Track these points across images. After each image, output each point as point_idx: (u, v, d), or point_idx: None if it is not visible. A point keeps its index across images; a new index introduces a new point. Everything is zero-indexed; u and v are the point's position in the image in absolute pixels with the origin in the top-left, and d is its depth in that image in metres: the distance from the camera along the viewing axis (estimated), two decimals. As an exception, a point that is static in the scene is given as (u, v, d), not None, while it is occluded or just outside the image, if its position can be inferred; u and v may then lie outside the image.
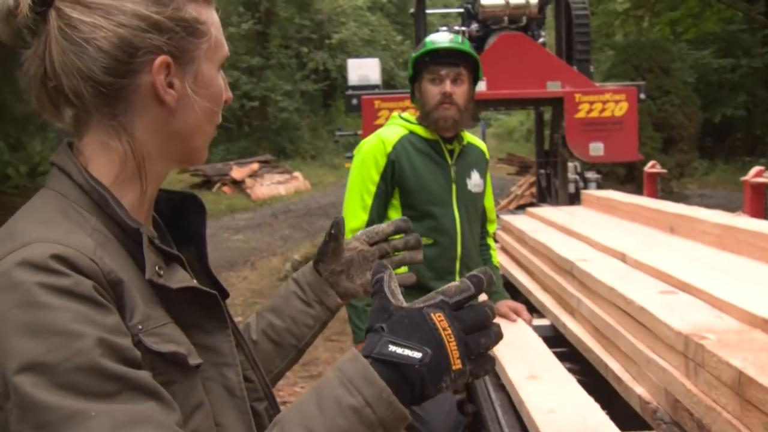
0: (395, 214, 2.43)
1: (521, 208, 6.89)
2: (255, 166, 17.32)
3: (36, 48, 0.83)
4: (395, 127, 2.49)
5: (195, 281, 0.89)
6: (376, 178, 2.39)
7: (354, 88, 6.21)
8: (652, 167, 5.65)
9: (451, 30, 6.42)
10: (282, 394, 4.43)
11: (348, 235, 2.44)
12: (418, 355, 0.74)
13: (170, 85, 0.85)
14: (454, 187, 2.45)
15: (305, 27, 23.38)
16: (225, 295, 0.99)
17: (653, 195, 5.33)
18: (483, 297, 2.69)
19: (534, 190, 8.10)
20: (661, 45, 11.86)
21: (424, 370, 0.74)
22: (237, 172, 16.42)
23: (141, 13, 0.82)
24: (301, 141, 23.78)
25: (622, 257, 2.40)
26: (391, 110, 5.03)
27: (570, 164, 6.07)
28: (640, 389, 1.75)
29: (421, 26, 6.64)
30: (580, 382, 1.91)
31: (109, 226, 0.83)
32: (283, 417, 0.78)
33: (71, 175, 0.84)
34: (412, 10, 7.28)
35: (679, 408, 1.54)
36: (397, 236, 1.21)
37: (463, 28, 6.74)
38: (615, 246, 2.52)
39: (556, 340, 2.41)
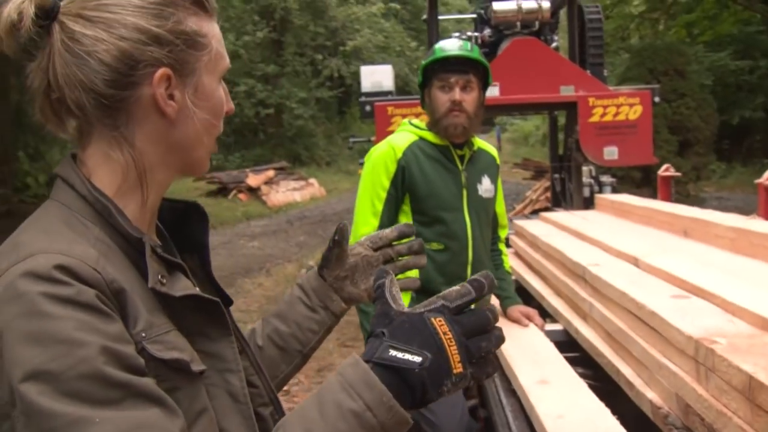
0: (406, 220, 2.43)
1: (537, 212, 6.86)
2: (270, 173, 17.40)
3: (40, 60, 0.85)
4: (405, 133, 2.50)
5: (197, 289, 0.90)
6: (387, 184, 2.40)
7: (367, 94, 6.22)
8: (665, 170, 5.61)
9: (461, 36, 6.43)
10: (297, 400, 4.44)
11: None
12: (418, 359, 0.75)
13: (171, 97, 0.87)
14: (464, 192, 2.46)
15: (320, 34, 23.51)
16: (228, 302, 1.01)
17: (667, 198, 5.29)
18: (495, 301, 2.69)
19: (549, 194, 8.07)
20: (677, 47, 11.78)
21: (424, 374, 0.75)
22: (253, 179, 16.51)
23: (142, 27, 0.84)
24: (317, 148, 23.87)
25: (635, 261, 2.39)
26: (404, 116, 5.04)
27: (585, 168, 6.04)
28: (651, 394, 1.74)
29: (434, 32, 6.64)
30: (592, 387, 1.90)
31: (112, 236, 0.84)
32: (286, 421, 0.79)
33: (74, 186, 0.86)
34: (424, 17, 7.29)
35: (690, 413, 1.53)
36: (402, 241, 1.21)
37: (476, 34, 6.75)
38: (628, 250, 2.51)
39: (569, 344, 2.39)
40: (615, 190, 6.10)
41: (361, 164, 2.67)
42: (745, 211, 4.90)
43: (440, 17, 7.95)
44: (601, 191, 5.97)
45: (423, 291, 2.39)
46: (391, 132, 2.64)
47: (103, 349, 0.72)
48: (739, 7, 15.48)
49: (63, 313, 0.72)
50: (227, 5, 21.34)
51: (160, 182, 0.91)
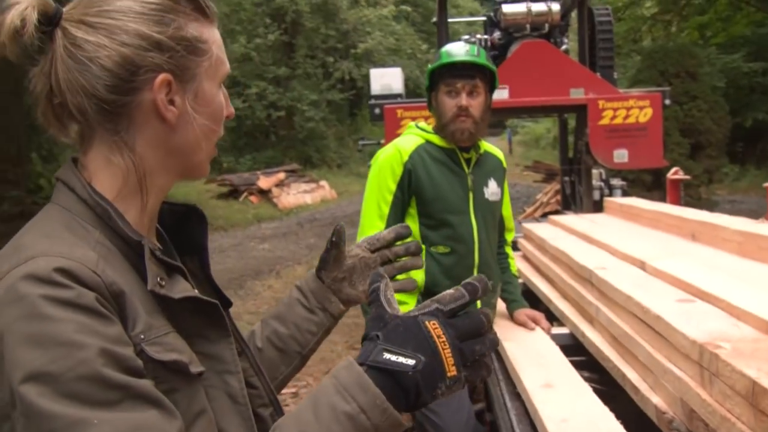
0: (412, 223, 2.44)
1: (546, 215, 6.85)
2: (281, 175, 17.45)
3: (42, 65, 0.87)
4: (412, 136, 2.51)
5: (196, 291, 0.91)
6: (393, 187, 2.41)
7: (377, 97, 6.24)
8: (674, 174, 5.58)
9: (470, 39, 6.43)
10: (305, 403, 4.44)
11: None
12: (412, 362, 0.75)
13: (171, 102, 0.88)
14: (471, 195, 2.46)
15: (331, 37, 23.57)
16: (227, 304, 1.02)
17: (676, 202, 5.26)
18: (501, 305, 2.68)
19: (559, 197, 8.04)
20: (688, 50, 11.71)
21: (418, 377, 0.75)
22: (264, 182, 16.57)
23: (143, 33, 0.85)
24: (328, 150, 23.92)
25: (642, 265, 2.38)
26: (414, 119, 5.04)
27: (595, 171, 6.02)
28: (656, 399, 1.74)
29: (443, 35, 6.64)
30: (598, 391, 1.90)
31: (112, 239, 0.85)
32: (281, 424, 0.80)
33: (75, 189, 0.87)
34: (434, 19, 7.30)
35: (694, 418, 1.52)
36: (399, 243, 1.22)
37: (486, 36, 6.74)
38: (635, 254, 2.50)
39: (575, 348, 2.39)
40: (625, 194, 6.07)
41: (370, 167, 2.68)
42: (758, 214, 4.87)
43: (450, 20, 7.95)
44: (611, 194, 5.94)
45: (429, 294, 2.40)
46: (401, 134, 2.65)
47: (102, 351, 0.73)
48: (752, 9, 15.38)
49: (63, 315, 0.73)
50: (238, 8, 21.45)
51: (160, 186, 0.92)
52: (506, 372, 2.21)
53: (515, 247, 3.80)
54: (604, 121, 5.46)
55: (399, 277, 1.22)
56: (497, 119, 8.81)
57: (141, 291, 0.84)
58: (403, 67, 14.80)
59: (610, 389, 2.02)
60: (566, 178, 6.95)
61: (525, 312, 2.59)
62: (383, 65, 18.91)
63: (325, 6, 23.10)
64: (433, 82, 2.49)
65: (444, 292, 0.82)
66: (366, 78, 6.43)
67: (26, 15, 0.82)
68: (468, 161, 2.49)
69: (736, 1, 15.39)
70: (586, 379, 2.01)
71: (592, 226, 3.52)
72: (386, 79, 6.46)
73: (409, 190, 2.41)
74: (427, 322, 0.78)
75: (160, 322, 0.84)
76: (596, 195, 5.89)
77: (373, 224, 2.43)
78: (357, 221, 2.53)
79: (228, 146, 21.09)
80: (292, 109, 22.51)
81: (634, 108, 5.45)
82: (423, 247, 2.40)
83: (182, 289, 0.88)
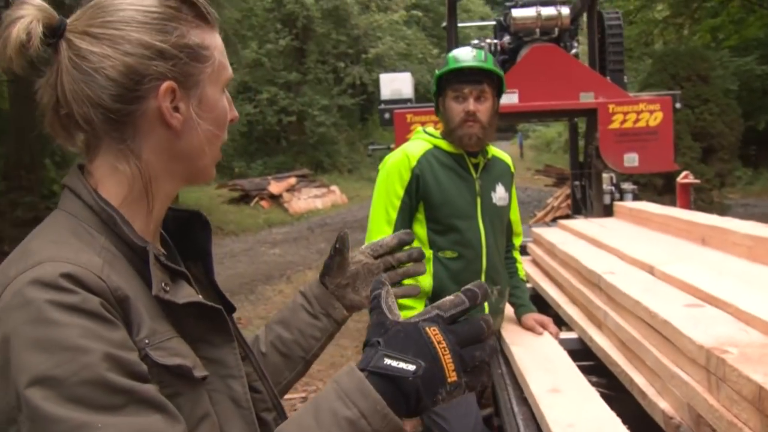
0: (420, 228, 2.44)
1: (557, 220, 6.83)
2: (292, 180, 17.51)
3: (48, 77, 0.88)
4: (419, 141, 2.51)
5: (200, 296, 0.92)
6: (401, 192, 2.41)
7: (387, 102, 6.25)
8: (684, 178, 5.55)
9: (480, 44, 6.43)
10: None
11: None
12: (412, 367, 0.76)
13: (176, 109, 0.89)
14: (478, 200, 2.46)
15: (342, 42, 23.65)
16: (231, 309, 1.03)
17: (686, 206, 5.23)
18: (510, 310, 2.68)
19: (570, 201, 8.02)
20: (699, 53, 11.63)
21: (418, 383, 0.76)
22: (275, 187, 16.62)
23: (146, 42, 0.86)
24: (338, 155, 23.97)
25: (650, 270, 2.37)
26: (423, 124, 5.05)
27: (605, 175, 6.00)
28: (663, 404, 1.73)
29: (453, 39, 6.65)
30: (606, 396, 1.89)
31: (118, 245, 0.87)
32: (282, 428, 0.81)
33: (81, 196, 0.88)
34: (444, 24, 7.31)
35: (701, 423, 1.51)
36: (403, 249, 1.23)
37: (495, 41, 6.75)
38: (643, 258, 2.49)
39: (584, 353, 2.38)
40: (636, 198, 6.04)
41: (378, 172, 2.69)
42: (770, 218, 4.84)
43: (460, 24, 7.96)
44: (622, 198, 5.91)
45: (437, 298, 2.40)
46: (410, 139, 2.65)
47: (107, 355, 0.74)
48: (765, 11, 15.27)
49: (68, 320, 0.74)
50: (250, 14, 21.57)
51: (166, 192, 0.93)
52: (513, 377, 2.21)
53: (524, 251, 3.80)
54: (614, 125, 5.44)
55: (405, 282, 1.23)
56: (507, 124, 8.81)
57: (145, 296, 0.85)
58: (414, 72, 14.81)
59: (618, 394, 2.01)
60: (577, 183, 6.93)
61: (533, 316, 2.59)
62: (394, 70, 18.92)
63: (336, 11, 23.19)
64: (441, 88, 2.49)
65: (444, 299, 0.82)
66: (377, 83, 6.44)
67: (31, 28, 0.84)
68: (476, 166, 2.49)
69: (749, 4, 15.29)
70: (594, 384, 2.01)
71: (601, 230, 3.51)
72: (396, 84, 6.47)
73: (417, 195, 2.42)
74: (427, 328, 0.78)
75: (164, 327, 0.85)
76: (607, 199, 5.87)
77: (381, 229, 2.43)
78: (367, 226, 2.54)
79: (239, 151, 21.20)
80: (303, 114, 22.59)
81: (644, 112, 5.42)
82: (431, 252, 2.42)
83: (186, 294, 0.89)
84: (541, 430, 1.79)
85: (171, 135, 0.90)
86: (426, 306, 2.46)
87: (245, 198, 16.46)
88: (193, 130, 0.91)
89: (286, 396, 1.23)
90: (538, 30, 6.28)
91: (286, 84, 22.69)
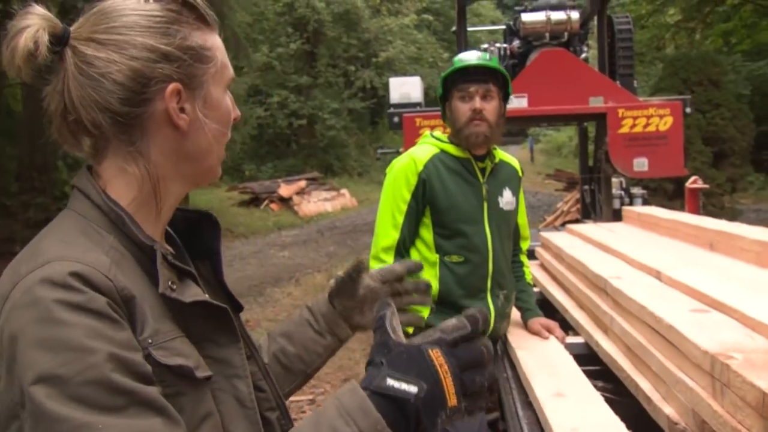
0: (426, 233, 2.45)
1: (566, 224, 6.81)
2: (302, 183, 17.56)
3: (55, 85, 0.90)
4: (426, 146, 2.52)
5: (207, 296, 0.93)
6: (407, 196, 2.42)
7: (396, 106, 6.26)
8: (693, 183, 5.52)
9: (489, 48, 6.44)
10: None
11: (380, 253, 2.48)
12: (414, 389, 0.77)
13: (182, 110, 0.91)
14: (485, 205, 2.46)
15: (352, 46, 23.72)
16: (238, 308, 1.04)
17: (695, 211, 5.20)
18: (516, 314, 2.68)
19: (580, 206, 7.99)
20: (711, 57, 11.58)
21: (419, 404, 0.76)
22: (285, 190, 16.68)
23: (151, 45, 0.88)
24: (348, 158, 24.02)
25: (657, 275, 2.37)
26: (432, 128, 5.05)
27: (615, 180, 5.98)
28: (668, 409, 1.72)
29: (462, 44, 6.66)
30: (611, 401, 1.89)
31: (126, 245, 0.88)
32: None
33: (90, 196, 0.90)
34: (453, 28, 7.32)
35: (706, 429, 1.51)
36: (411, 277, 1.26)
37: (505, 45, 6.74)
38: (651, 263, 2.48)
39: (590, 358, 2.38)
40: (646, 202, 6.02)
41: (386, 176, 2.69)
42: (782, 223, 4.80)
43: (470, 28, 7.96)
44: (631, 203, 5.89)
45: (443, 303, 2.41)
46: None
47: (111, 356, 0.75)
48: (777, 15, 15.18)
49: (74, 319, 0.75)
50: (261, 17, 21.68)
51: (174, 193, 0.95)
52: (518, 381, 2.21)
53: (532, 255, 3.80)
54: (624, 130, 5.42)
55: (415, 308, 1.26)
56: (517, 128, 8.79)
57: (152, 296, 0.86)
58: (425, 76, 14.83)
59: (625, 399, 2.01)
60: (586, 187, 6.91)
61: (539, 321, 2.59)
62: (404, 74, 18.96)
63: (347, 15, 23.27)
64: (446, 91, 2.49)
65: (446, 322, 0.83)
66: (387, 86, 6.46)
67: (38, 37, 0.85)
68: (483, 171, 2.49)
69: (762, 8, 15.19)
70: (600, 389, 2.00)
71: (609, 235, 3.50)
72: (405, 88, 6.48)
73: (424, 199, 2.42)
74: (430, 351, 0.79)
75: (168, 327, 0.86)
76: (616, 204, 5.85)
77: (387, 233, 2.44)
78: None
79: (249, 154, 21.28)
80: (313, 118, 22.67)
81: (654, 116, 5.40)
82: (437, 256, 2.42)
83: (193, 293, 0.90)
84: (546, 434, 1.79)
85: (178, 136, 0.91)
86: (432, 310, 2.46)
87: (255, 201, 16.52)
88: (199, 130, 0.93)
89: (292, 398, 1.24)
90: (547, 34, 6.27)
91: (296, 87, 22.77)
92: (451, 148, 2.48)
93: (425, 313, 2.44)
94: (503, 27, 7.50)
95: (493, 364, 0.85)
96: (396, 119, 5.83)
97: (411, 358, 0.79)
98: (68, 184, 11.69)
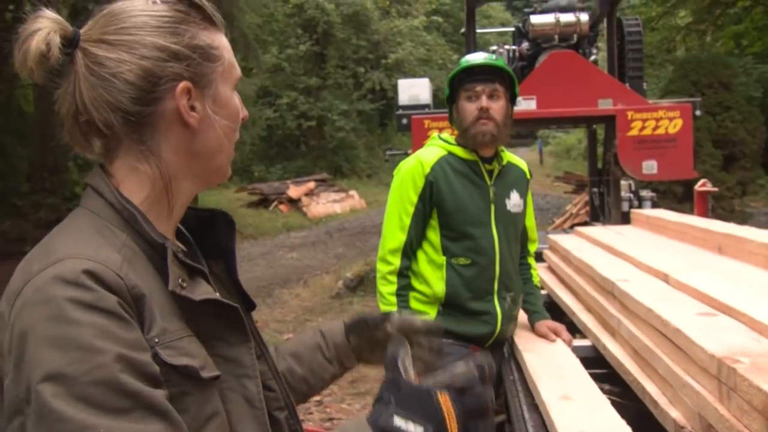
0: (433, 235, 2.45)
1: (576, 227, 6.79)
2: (311, 184, 17.58)
3: (66, 87, 0.91)
4: (434, 148, 2.52)
5: (218, 294, 0.94)
6: (414, 198, 2.42)
7: (404, 107, 6.27)
8: (702, 186, 5.49)
9: (498, 50, 6.43)
10: (329, 411, 4.47)
11: (387, 255, 2.47)
12: (419, 430, 0.78)
13: (192, 109, 0.92)
14: (492, 207, 2.46)
15: (362, 47, 23.73)
16: (251, 307, 1.05)
17: (704, 214, 5.18)
18: (523, 316, 2.68)
19: (589, 208, 7.97)
20: (721, 60, 11.51)
21: None
22: (294, 191, 16.70)
23: (160, 45, 0.89)
24: (358, 160, 24.04)
25: (665, 278, 2.36)
26: (441, 129, 5.05)
27: (624, 183, 5.96)
28: (675, 413, 1.72)
29: (471, 46, 6.66)
30: (618, 404, 1.88)
31: (138, 242, 0.89)
32: None
33: (104, 194, 0.91)
34: (463, 30, 7.32)
35: (712, 433, 1.50)
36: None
37: (514, 47, 6.74)
38: (658, 266, 2.48)
39: (597, 361, 2.37)
40: (655, 205, 5.99)
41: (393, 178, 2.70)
42: (793, 227, 4.77)
43: (479, 30, 7.96)
44: (640, 206, 5.87)
45: (450, 305, 2.42)
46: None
47: (120, 357, 0.76)
48: (789, 18, 15.08)
49: (85, 319, 0.76)
50: (271, 19, 21.74)
51: (184, 191, 0.96)
52: (525, 383, 2.21)
53: (540, 258, 3.79)
54: (633, 132, 5.41)
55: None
56: (526, 130, 8.79)
57: (162, 294, 0.87)
58: (434, 78, 14.82)
59: (633, 403, 2.00)
60: (595, 190, 6.89)
61: (546, 324, 2.58)
62: (414, 75, 18.98)
63: (356, 17, 23.29)
64: (453, 92, 2.50)
65: (456, 366, 0.86)
66: (396, 88, 6.47)
67: (50, 39, 0.87)
68: (490, 173, 2.49)
69: (773, 10, 15.10)
70: (606, 392, 2.00)
71: (617, 237, 3.49)
72: (414, 90, 6.49)
73: (431, 202, 2.42)
74: (438, 394, 0.81)
75: (176, 326, 0.87)
76: (625, 206, 5.83)
77: (394, 235, 2.45)
78: (383, 231, 2.55)
79: (259, 156, 21.34)
80: (322, 119, 22.70)
81: (663, 119, 5.38)
82: (444, 258, 2.42)
83: (203, 291, 0.91)
84: (552, 437, 1.79)
85: (189, 134, 0.93)
86: (438, 312, 2.46)
87: (264, 202, 16.56)
88: (209, 128, 0.94)
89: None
90: (556, 36, 6.26)
91: (306, 89, 22.81)
92: (459, 150, 2.48)
93: (432, 315, 2.44)
94: (512, 29, 7.50)
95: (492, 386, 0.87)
96: (405, 121, 5.84)
97: (419, 399, 0.81)
98: (79, 185, 11.80)
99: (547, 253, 3.93)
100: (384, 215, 2.54)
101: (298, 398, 1.22)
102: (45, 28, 0.87)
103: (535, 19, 6.31)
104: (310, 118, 22.41)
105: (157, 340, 0.83)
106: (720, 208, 8.99)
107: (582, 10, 6.32)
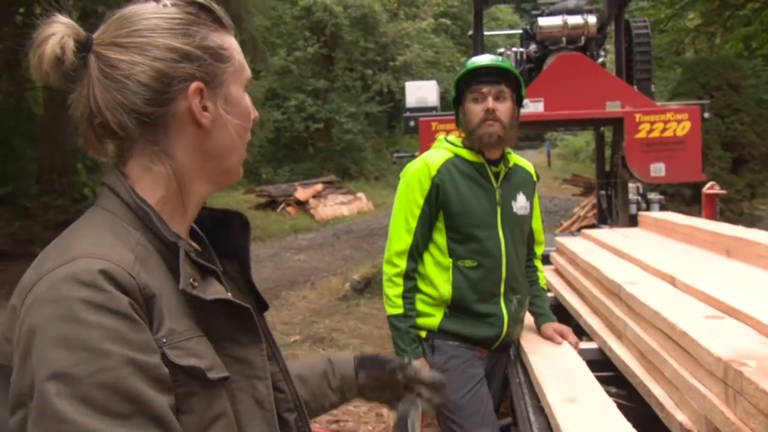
0: (440, 237, 2.45)
1: (584, 229, 6.77)
2: (319, 186, 17.60)
3: (80, 91, 0.92)
4: (440, 150, 2.52)
5: (230, 294, 0.95)
6: (421, 201, 2.42)
7: (412, 110, 6.26)
8: (710, 188, 5.47)
9: (505, 52, 6.43)
10: (336, 412, 4.47)
11: (394, 257, 2.48)
12: None
13: (204, 109, 0.93)
14: (499, 209, 2.46)
15: (370, 50, 23.77)
16: (263, 308, 1.06)
17: (711, 217, 5.15)
18: (530, 319, 2.67)
19: (596, 211, 7.94)
20: (731, 62, 11.45)
21: None
22: (301, 193, 16.72)
23: (172, 46, 0.91)
24: (365, 162, 24.06)
25: (672, 280, 2.35)
26: (448, 132, 5.05)
27: (631, 185, 5.94)
28: (681, 416, 1.72)
29: (479, 48, 6.65)
30: (624, 407, 1.88)
31: (152, 241, 0.90)
32: None
33: (119, 194, 0.92)
34: (470, 32, 7.31)
35: (718, 436, 1.50)
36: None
37: (522, 49, 6.73)
38: (665, 269, 2.47)
39: (603, 364, 2.37)
40: (663, 208, 5.97)
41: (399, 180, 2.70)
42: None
43: (487, 33, 7.95)
44: (648, 208, 5.85)
45: (456, 308, 2.42)
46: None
47: (127, 360, 0.77)
48: (799, 20, 15.00)
49: (95, 320, 0.77)
50: (279, 21, 21.81)
51: (197, 192, 0.97)
52: (531, 386, 2.21)
53: (547, 260, 3.78)
54: (641, 135, 5.39)
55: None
56: (534, 132, 8.77)
57: (174, 293, 0.88)
58: (442, 80, 14.81)
59: (639, 406, 2.00)
60: (603, 192, 6.87)
61: (552, 326, 2.58)
62: (422, 78, 18.95)
63: (364, 19, 23.33)
64: (460, 94, 2.50)
65: None
66: (404, 90, 6.46)
67: (64, 43, 0.88)
68: (496, 175, 2.48)
69: (783, 12, 15.03)
70: (613, 395, 2.00)
71: (624, 240, 3.49)
72: (422, 92, 6.48)
73: (437, 204, 2.43)
74: None
75: (184, 326, 0.87)
76: (633, 209, 5.81)
77: (400, 238, 2.45)
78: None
79: (267, 158, 21.39)
80: (330, 122, 22.74)
81: (671, 121, 5.36)
82: (450, 260, 2.42)
83: (215, 291, 0.91)
84: (557, 439, 1.79)
85: (201, 134, 0.94)
86: (444, 313, 2.46)
87: (272, 204, 16.58)
88: (222, 128, 0.95)
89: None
90: (564, 39, 6.24)
91: (314, 91, 22.86)
92: (465, 153, 2.48)
93: (438, 317, 2.45)
94: (520, 31, 7.49)
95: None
96: (412, 123, 5.84)
97: None
98: (88, 186, 11.88)
99: (554, 256, 3.93)
100: (391, 217, 2.55)
101: None
102: (59, 32, 0.89)
103: (543, 21, 6.30)
104: (317, 120, 22.45)
105: (164, 340, 0.84)
106: (728, 210, 8.95)
107: (590, 12, 6.30)
